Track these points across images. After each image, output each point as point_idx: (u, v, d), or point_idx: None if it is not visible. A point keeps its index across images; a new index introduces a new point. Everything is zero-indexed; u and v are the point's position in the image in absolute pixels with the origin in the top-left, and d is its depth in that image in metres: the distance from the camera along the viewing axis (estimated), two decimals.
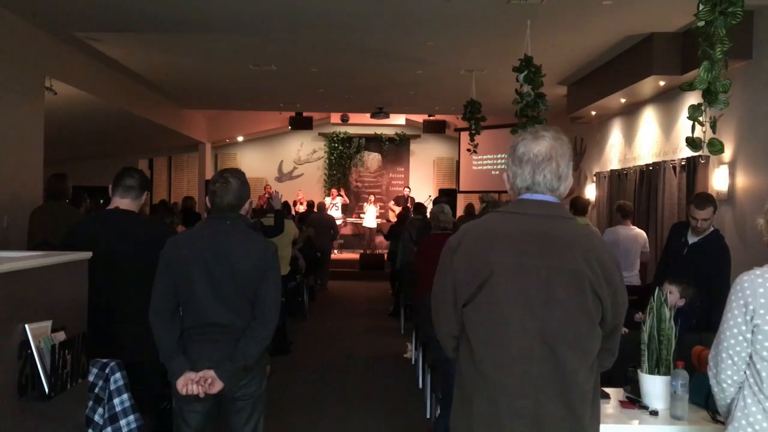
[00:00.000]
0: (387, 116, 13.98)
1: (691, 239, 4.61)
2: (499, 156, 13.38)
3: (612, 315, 1.93)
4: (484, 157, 13.33)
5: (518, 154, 1.98)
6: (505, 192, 12.50)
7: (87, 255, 2.82)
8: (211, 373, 2.69)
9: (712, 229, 4.60)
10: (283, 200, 7.23)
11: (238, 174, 2.90)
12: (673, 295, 3.91)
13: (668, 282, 4.01)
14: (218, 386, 2.70)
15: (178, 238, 2.90)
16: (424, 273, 5.83)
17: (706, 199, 4.55)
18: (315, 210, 12.25)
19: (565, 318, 1.86)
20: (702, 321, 3.98)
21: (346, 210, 16.06)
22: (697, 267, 4.41)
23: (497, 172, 13.47)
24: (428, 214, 9.40)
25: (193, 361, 2.74)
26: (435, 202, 7.56)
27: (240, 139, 16.97)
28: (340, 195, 15.88)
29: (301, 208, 14.48)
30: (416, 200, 14.15)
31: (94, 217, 3.90)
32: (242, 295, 2.76)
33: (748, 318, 1.94)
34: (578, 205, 6.83)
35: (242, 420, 2.82)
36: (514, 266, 1.89)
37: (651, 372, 2.81)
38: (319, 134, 17.27)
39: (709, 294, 4.16)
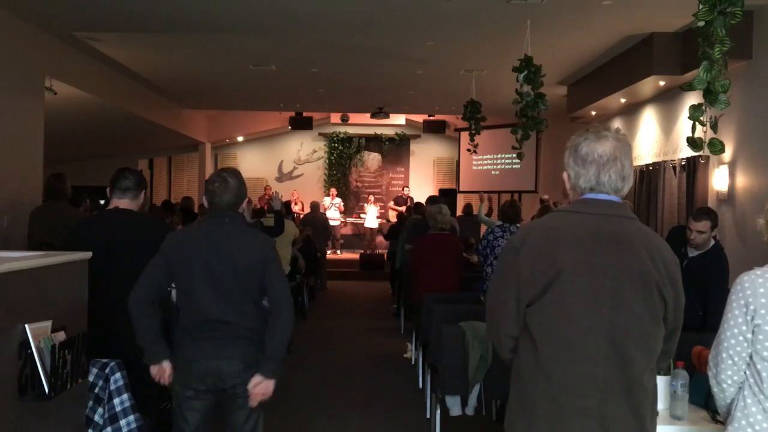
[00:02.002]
0: (387, 116, 13.98)
1: (691, 253, 4.41)
2: (499, 156, 13.38)
3: (674, 316, 1.93)
4: (484, 157, 13.33)
5: (581, 154, 1.95)
6: (504, 192, 12.49)
7: (87, 255, 2.82)
8: (258, 380, 2.75)
9: (712, 242, 4.40)
10: (284, 200, 7.24)
11: (236, 173, 2.91)
12: None
13: None
14: (272, 386, 2.78)
15: (179, 235, 2.92)
16: (422, 273, 5.82)
17: (703, 212, 4.35)
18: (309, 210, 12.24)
19: (632, 318, 1.85)
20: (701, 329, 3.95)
21: (344, 211, 16.06)
22: (696, 280, 4.28)
23: (497, 172, 13.48)
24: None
25: (193, 358, 2.74)
26: (431, 201, 7.44)
27: (240, 139, 16.97)
28: (339, 197, 15.87)
29: (296, 208, 14.47)
30: (415, 200, 14.16)
31: (95, 217, 3.91)
32: (245, 291, 2.78)
33: (748, 318, 1.94)
34: None
35: (242, 417, 2.83)
36: (583, 266, 1.87)
37: None
38: (319, 134, 17.26)
39: (705, 302, 4.12)
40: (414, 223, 8.38)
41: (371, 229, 15.40)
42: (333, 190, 16.03)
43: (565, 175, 2.03)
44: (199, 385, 2.75)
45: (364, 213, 15.74)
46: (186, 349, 2.78)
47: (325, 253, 12.20)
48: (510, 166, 12.94)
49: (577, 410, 1.85)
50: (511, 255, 1.98)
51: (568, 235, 1.91)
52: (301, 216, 12.77)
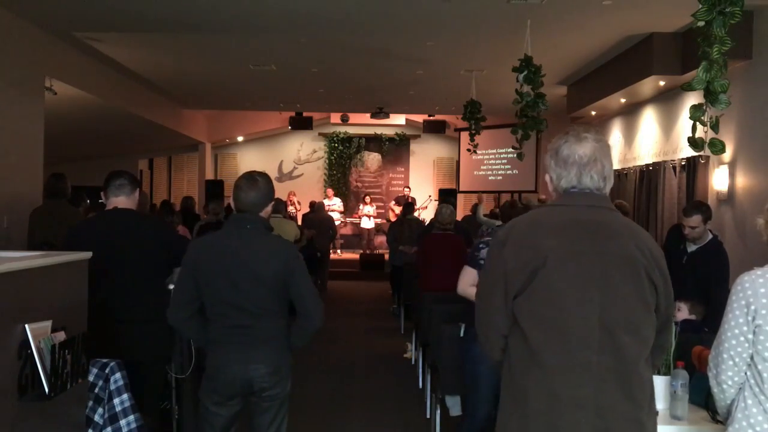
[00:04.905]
0: (387, 116, 13.98)
1: (690, 248, 4.49)
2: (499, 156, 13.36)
3: (665, 304, 1.93)
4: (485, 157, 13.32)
5: (562, 156, 1.97)
6: (505, 192, 12.53)
7: (87, 255, 2.82)
8: None
9: (710, 236, 4.47)
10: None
11: (266, 176, 2.94)
12: (681, 312, 3.84)
13: (677, 299, 3.91)
14: None
15: (200, 245, 2.89)
16: (426, 273, 5.84)
17: (693, 207, 4.46)
18: (312, 210, 12.19)
19: (623, 302, 1.84)
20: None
21: (343, 211, 16.04)
22: (696, 275, 4.32)
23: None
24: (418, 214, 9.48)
25: (221, 365, 2.78)
26: (406, 207, 7.84)
27: (240, 139, 16.96)
28: (337, 197, 15.84)
29: (292, 210, 14.42)
30: (416, 200, 14.17)
31: (96, 217, 3.90)
32: (269, 298, 2.79)
33: (749, 318, 1.93)
34: None
35: (267, 420, 2.87)
36: (569, 252, 1.87)
37: None
38: (319, 134, 17.25)
39: (708, 300, 4.13)
40: (395, 223, 8.52)
41: (368, 229, 15.40)
42: (329, 191, 15.99)
43: (547, 178, 2.05)
44: (228, 391, 2.79)
45: (363, 214, 15.72)
46: (214, 357, 2.82)
47: (329, 253, 12.12)
48: (511, 171, 12.91)
49: (574, 400, 1.81)
50: (496, 249, 1.99)
51: (552, 224, 1.94)
52: (299, 215, 12.74)
